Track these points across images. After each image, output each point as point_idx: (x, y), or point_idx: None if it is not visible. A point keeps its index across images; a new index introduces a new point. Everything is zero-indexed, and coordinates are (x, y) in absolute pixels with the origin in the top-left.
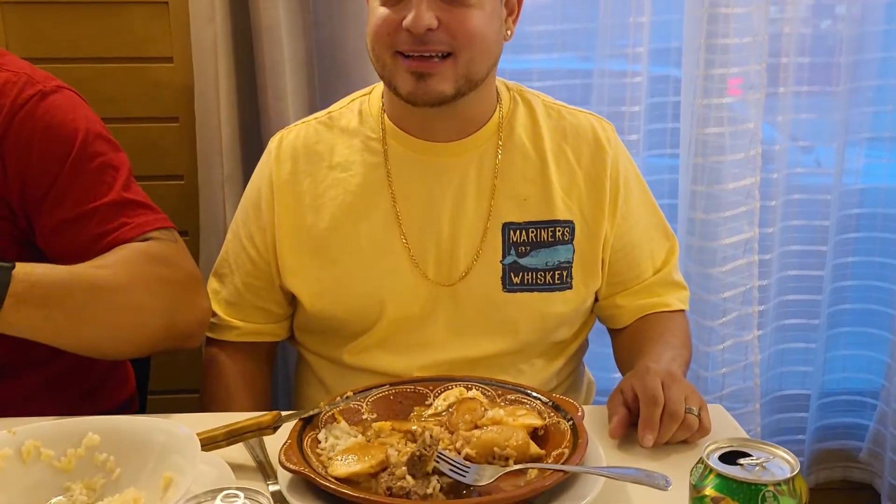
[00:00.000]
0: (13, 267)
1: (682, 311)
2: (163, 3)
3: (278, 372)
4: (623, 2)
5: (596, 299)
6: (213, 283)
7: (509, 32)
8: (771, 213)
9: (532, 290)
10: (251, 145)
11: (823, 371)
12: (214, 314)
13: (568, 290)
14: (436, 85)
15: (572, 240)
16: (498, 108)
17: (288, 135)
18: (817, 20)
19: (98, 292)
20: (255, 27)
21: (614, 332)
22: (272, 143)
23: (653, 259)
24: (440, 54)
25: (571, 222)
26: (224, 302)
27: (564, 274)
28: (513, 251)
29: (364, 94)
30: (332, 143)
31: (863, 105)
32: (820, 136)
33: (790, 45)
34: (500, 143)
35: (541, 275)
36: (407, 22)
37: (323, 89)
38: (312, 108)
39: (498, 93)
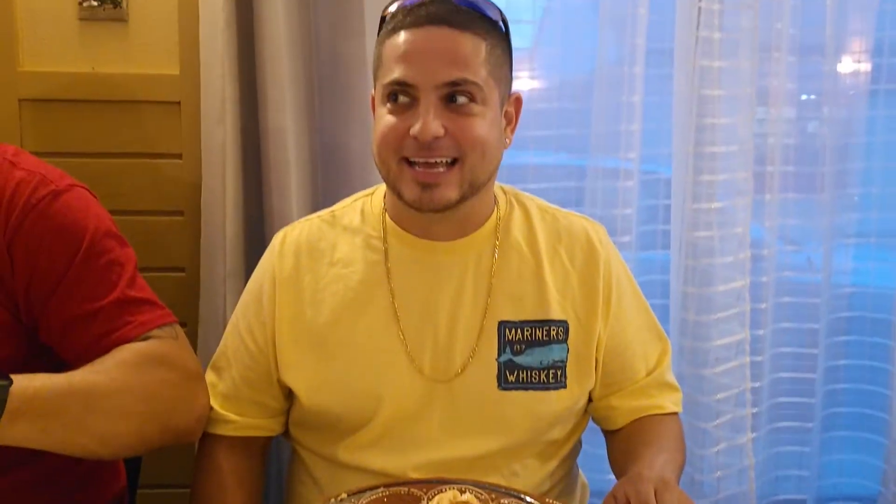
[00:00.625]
0: (10, 383)
1: (676, 413)
2: (174, 104)
3: (270, 468)
4: (615, 110)
5: (590, 400)
6: (210, 376)
7: (508, 141)
8: (762, 316)
9: (527, 389)
10: (254, 242)
11: (819, 475)
12: (211, 408)
13: (562, 390)
14: (442, 193)
15: (566, 339)
16: (495, 211)
17: (292, 231)
18: (799, 131)
19: (94, 400)
20: (262, 129)
21: (609, 434)
22: (276, 240)
23: (646, 360)
24: (446, 160)
25: (566, 322)
26: (220, 396)
27: (559, 373)
28: (508, 349)
29: (367, 195)
30: (335, 240)
31: (848, 211)
32: (808, 239)
33: (775, 154)
34: (497, 243)
35: (535, 373)
36: (415, 130)
37: (326, 190)
38: (315, 207)
39: (495, 196)
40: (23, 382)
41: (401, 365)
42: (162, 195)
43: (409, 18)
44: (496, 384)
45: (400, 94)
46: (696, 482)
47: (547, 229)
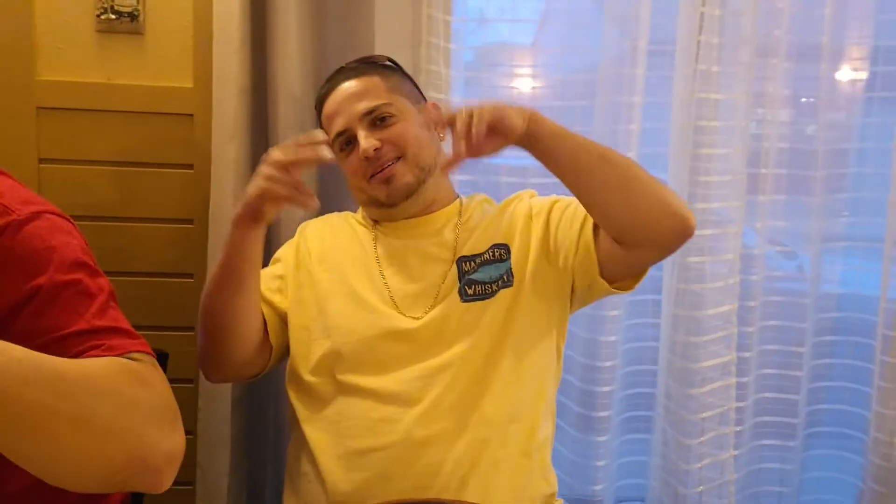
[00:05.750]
0: None
1: None
2: (187, 116)
3: (267, 464)
4: (615, 109)
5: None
6: None
7: (442, 136)
8: (748, 339)
9: (485, 298)
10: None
11: (799, 492)
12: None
13: (510, 288)
14: (399, 180)
15: (509, 257)
16: (458, 200)
17: (311, 221)
18: (794, 136)
19: (66, 387)
20: (272, 146)
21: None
22: (301, 227)
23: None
24: (393, 160)
25: (506, 245)
26: None
27: (506, 276)
28: (466, 275)
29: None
30: (341, 224)
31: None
32: (798, 242)
33: (769, 157)
34: (459, 218)
35: (489, 286)
36: (360, 151)
37: (326, 206)
38: None
39: (458, 195)
40: None
41: (385, 307)
42: (173, 203)
43: (325, 88)
44: (459, 299)
45: (345, 142)
46: (679, 495)
47: (500, 204)
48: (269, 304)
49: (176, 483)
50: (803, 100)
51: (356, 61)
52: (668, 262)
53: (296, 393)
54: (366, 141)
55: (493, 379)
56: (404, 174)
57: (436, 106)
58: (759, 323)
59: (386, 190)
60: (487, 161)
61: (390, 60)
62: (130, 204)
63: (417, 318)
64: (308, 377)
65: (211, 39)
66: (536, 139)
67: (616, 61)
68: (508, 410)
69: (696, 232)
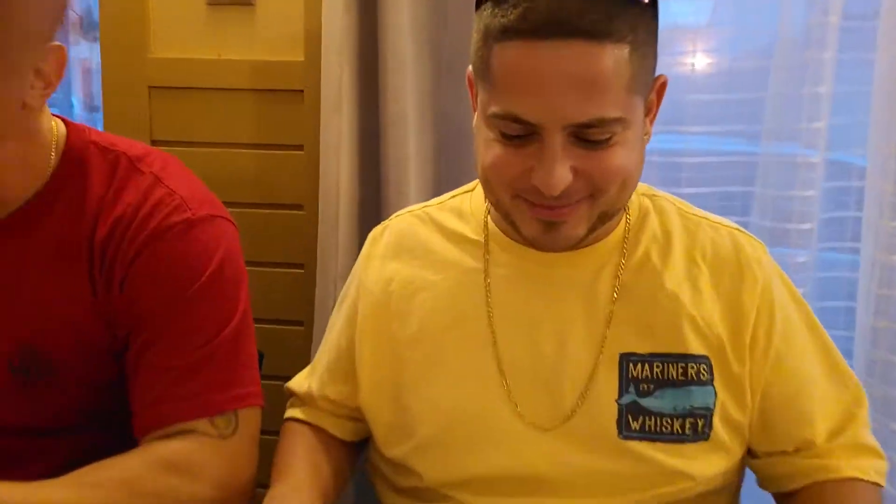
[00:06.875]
0: None
1: (877, 485)
2: (298, 92)
3: None
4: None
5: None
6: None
7: (647, 137)
8: None
9: (655, 440)
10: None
11: None
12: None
13: (703, 442)
14: (568, 231)
15: (711, 381)
16: (624, 217)
17: (382, 230)
18: None
19: None
20: (381, 119)
21: (779, 497)
22: (369, 238)
23: (827, 418)
24: (578, 200)
25: (707, 359)
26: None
27: (700, 423)
28: (632, 389)
29: (466, 191)
30: (427, 240)
31: None
32: None
33: None
34: (623, 259)
35: (668, 421)
36: (538, 181)
37: (447, 183)
38: None
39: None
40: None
41: (495, 403)
42: (282, 187)
43: (527, 22)
44: (616, 431)
45: (511, 125)
46: None
47: (688, 240)
48: (338, 416)
49: None
50: None
51: None
52: (865, 261)
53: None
54: (558, 173)
55: None
56: (578, 223)
57: (664, 85)
58: None
59: (539, 232)
60: None
61: None
62: (238, 188)
63: (545, 429)
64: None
65: (321, 5)
66: None
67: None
68: None
69: None
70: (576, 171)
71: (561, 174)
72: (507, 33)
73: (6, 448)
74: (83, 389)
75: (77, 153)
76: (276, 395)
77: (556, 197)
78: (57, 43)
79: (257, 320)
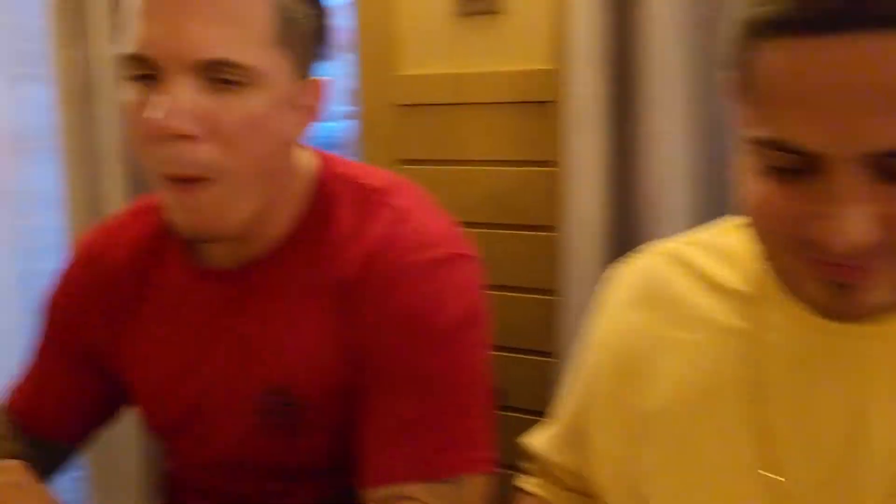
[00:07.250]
0: None
1: None
2: (548, 104)
3: None
4: None
5: None
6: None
7: None
8: None
9: None
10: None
11: None
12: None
13: None
14: (864, 298)
15: None
16: None
17: (625, 272)
18: None
19: None
20: (640, 135)
21: None
22: (609, 280)
23: None
24: (876, 258)
25: None
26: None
27: None
28: None
29: (735, 225)
30: (681, 288)
31: None
32: None
33: None
34: None
35: None
36: (822, 235)
37: (714, 213)
38: None
39: None
40: None
41: None
42: (531, 208)
43: (810, 10)
44: None
45: (787, 162)
46: None
47: None
48: (571, 490)
49: None
50: None
51: None
52: None
53: None
54: (852, 223)
55: None
56: (878, 289)
57: None
58: None
59: (828, 297)
60: None
61: None
62: (482, 208)
63: None
64: None
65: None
66: None
67: None
68: None
69: None
70: (879, 219)
71: (856, 224)
72: (779, 26)
73: (254, 491)
74: (330, 432)
75: (328, 187)
76: (518, 427)
77: (855, 256)
78: (316, 77)
79: (500, 348)
